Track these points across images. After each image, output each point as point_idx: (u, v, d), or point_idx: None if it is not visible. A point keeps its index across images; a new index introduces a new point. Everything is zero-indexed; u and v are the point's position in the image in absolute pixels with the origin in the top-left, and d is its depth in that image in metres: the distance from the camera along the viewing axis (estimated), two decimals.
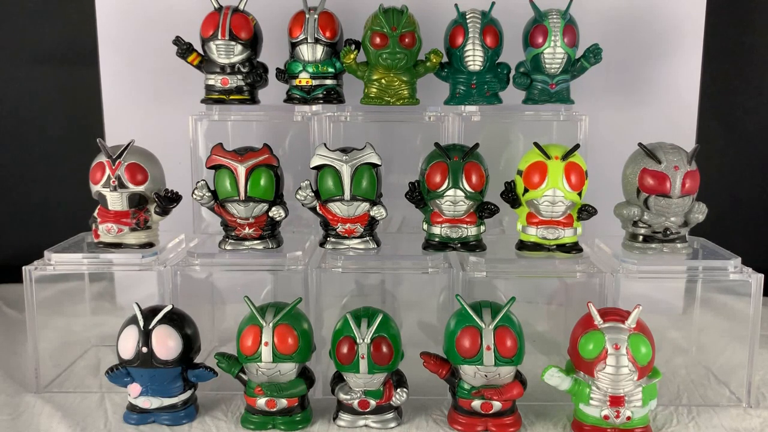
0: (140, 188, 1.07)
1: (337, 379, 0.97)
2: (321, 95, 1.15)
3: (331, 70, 1.15)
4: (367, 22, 1.11)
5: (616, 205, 1.09)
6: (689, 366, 1.18)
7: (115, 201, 1.07)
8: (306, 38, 1.12)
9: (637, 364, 0.90)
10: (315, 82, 1.15)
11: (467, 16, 1.10)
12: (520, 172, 1.04)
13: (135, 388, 0.98)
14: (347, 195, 1.03)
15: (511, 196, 1.06)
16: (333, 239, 1.08)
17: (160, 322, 0.96)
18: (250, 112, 1.21)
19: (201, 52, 1.15)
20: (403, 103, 1.14)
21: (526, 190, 1.03)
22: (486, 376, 0.92)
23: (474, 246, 1.07)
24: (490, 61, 1.12)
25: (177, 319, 0.98)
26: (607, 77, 1.33)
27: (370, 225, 1.07)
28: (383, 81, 1.12)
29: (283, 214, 1.07)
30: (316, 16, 1.12)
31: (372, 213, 1.06)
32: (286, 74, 1.17)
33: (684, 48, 1.34)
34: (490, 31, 1.10)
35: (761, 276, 1.03)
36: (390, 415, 0.98)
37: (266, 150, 1.05)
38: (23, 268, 1.07)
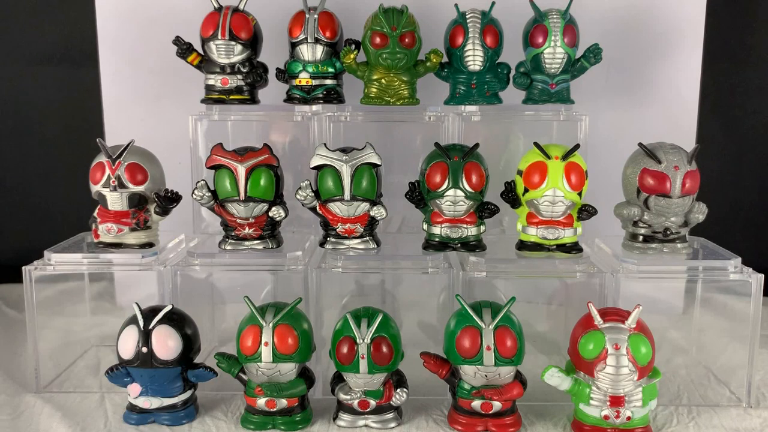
0: (140, 188, 1.07)
1: (337, 379, 0.97)
2: (321, 95, 1.15)
3: (331, 70, 1.15)
4: (367, 22, 1.11)
5: (616, 205, 1.09)
6: (689, 366, 1.18)
7: (115, 201, 1.07)
8: (306, 38, 1.12)
9: (637, 364, 0.90)
10: (315, 82, 1.15)
11: (467, 16, 1.10)
12: (520, 172, 1.04)
13: (135, 388, 0.98)
14: (347, 195, 1.03)
15: (511, 196, 1.06)
16: (333, 239, 1.08)
17: (160, 322, 0.96)
18: (250, 112, 1.21)
19: (201, 52, 1.15)
20: (403, 103, 1.14)
21: (526, 190, 1.03)
22: (486, 376, 0.92)
23: (474, 246, 1.07)
24: (490, 61, 1.12)
25: (177, 319, 0.98)
26: (607, 77, 1.34)
27: (370, 225, 1.07)
28: (383, 81, 1.12)
29: (283, 214, 1.07)
30: (316, 16, 1.12)
31: (372, 213, 1.06)
32: (286, 74, 1.17)
33: (684, 48, 1.34)
34: (490, 31, 1.10)
35: (761, 276, 1.03)
36: (390, 415, 0.98)
37: (266, 150, 1.06)
38: (23, 268, 1.07)
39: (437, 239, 1.07)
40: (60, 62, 1.57)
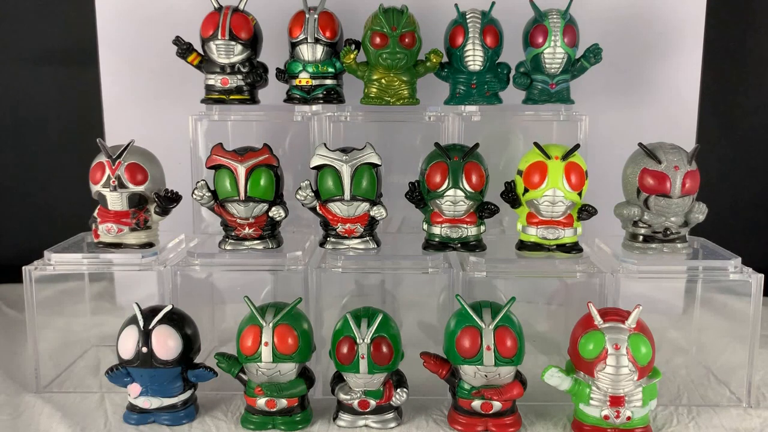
0: (140, 188, 1.07)
1: (337, 379, 0.97)
2: (321, 95, 1.15)
3: (331, 70, 1.15)
4: (367, 22, 1.11)
5: (616, 205, 1.09)
6: (689, 366, 1.18)
7: (115, 201, 1.07)
8: (306, 38, 1.12)
9: (637, 364, 0.90)
10: (315, 82, 1.15)
11: (467, 16, 1.11)
12: (520, 172, 1.04)
13: (135, 388, 0.98)
14: (347, 195, 1.03)
15: (511, 196, 1.06)
16: (333, 239, 1.08)
17: (160, 322, 0.96)
18: (250, 112, 1.21)
19: (201, 52, 1.15)
20: (403, 103, 1.14)
21: (526, 190, 1.03)
22: (486, 376, 0.92)
23: (474, 246, 1.08)
24: (490, 61, 1.12)
25: (177, 319, 0.98)
26: (607, 77, 1.33)
27: (370, 225, 1.07)
28: (383, 81, 1.12)
29: (283, 214, 1.07)
30: (316, 16, 1.12)
31: (372, 213, 1.06)
32: (286, 74, 1.17)
33: (684, 48, 1.34)
34: (490, 31, 1.10)
35: (761, 276, 1.03)
36: (390, 415, 0.98)
37: (266, 150, 1.06)
38: (23, 268, 1.07)
39: (437, 239, 1.07)
40: (60, 62, 1.57)
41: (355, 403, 0.96)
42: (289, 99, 1.17)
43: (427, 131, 1.22)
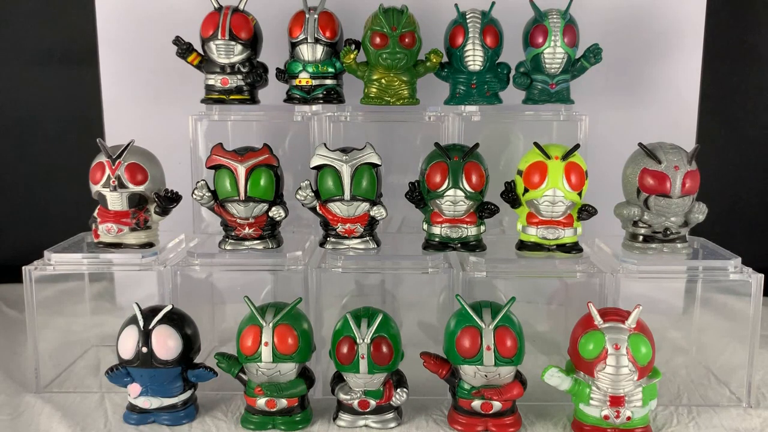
0: (140, 188, 1.07)
1: (337, 379, 0.97)
2: (321, 95, 1.15)
3: (331, 70, 1.15)
4: (367, 22, 1.11)
5: (616, 205, 1.09)
6: (689, 366, 1.18)
7: (115, 201, 1.07)
8: (306, 38, 1.13)
9: (637, 364, 0.90)
10: (315, 82, 1.15)
11: (467, 16, 1.11)
12: (520, 172, 1.04)
13: (135, 388, 0.98)
14: (347, 195, 1.03)
15: (511, 196, 1.06)
16: (333, 239, 1.08)
17: (160, 322, 0.96)
18: (250, 112, 1.21)
19: (201, 52, 1.15)
20: (403, 103, 1.14)
21: (526, 190, 1.03)
22: (486, 376, 0.92)
23: (474, 246, 1.08)
24: (490, 61, 1.12)
25: (177, 319, 0.98)
26: (607, 77, 1.33)
27: (370, 225, 1.07)
28: (383, 81, 1.12)
29: (283, 214, 1.07)
30: (316, 16, 1.12)
31: (372, 213, 1.06)
32: (286, 74, 1.17)
33: (684, 48, 1.34)
34: (490, 31, 1.10)
35: (761, 276, 1.03)
36: (390, 415, 0.98)
37: (266, 150, 1.06)
38: (23, 268, 1.07)
39: (437, 239, 1.07)
40: (60, 62, 1.57)
41: (355, 403, 0.96)
42: (289, 99, 1.17)
43: (427, 131, 1.22)
